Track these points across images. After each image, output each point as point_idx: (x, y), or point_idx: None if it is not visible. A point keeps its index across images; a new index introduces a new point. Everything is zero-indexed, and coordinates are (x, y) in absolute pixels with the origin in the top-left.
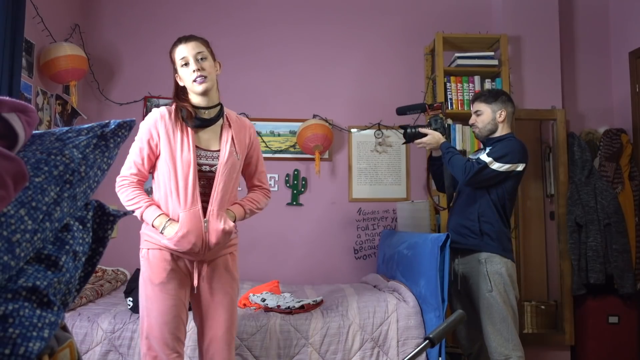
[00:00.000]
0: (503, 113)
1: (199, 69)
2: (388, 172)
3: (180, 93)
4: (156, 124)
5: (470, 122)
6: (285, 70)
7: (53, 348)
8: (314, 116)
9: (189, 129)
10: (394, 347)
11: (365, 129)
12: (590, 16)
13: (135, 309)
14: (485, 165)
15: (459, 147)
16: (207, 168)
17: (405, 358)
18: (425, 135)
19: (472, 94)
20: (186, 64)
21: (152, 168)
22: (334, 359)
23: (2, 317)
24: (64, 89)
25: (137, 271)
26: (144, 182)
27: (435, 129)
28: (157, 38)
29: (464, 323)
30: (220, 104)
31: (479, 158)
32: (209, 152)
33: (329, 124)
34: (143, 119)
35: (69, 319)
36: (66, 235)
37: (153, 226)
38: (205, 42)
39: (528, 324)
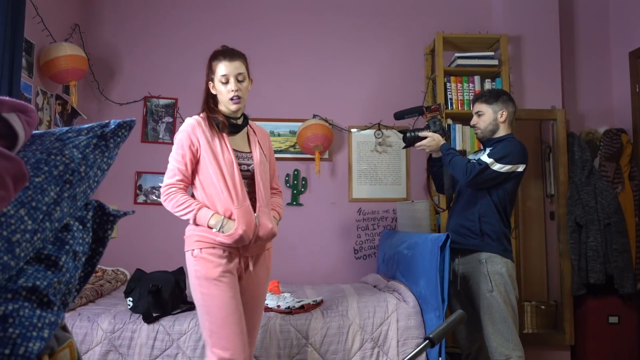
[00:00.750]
0: (504, 113)
1: (237, 90)
2: (388, 172)
3: (211, 101)
4: (194, 130)
5: (472, 123)
6: (286, 70)
7: (53, 348)
8: (314, 116)
9: (224, 134)
10: (394, 347)
11: (365, 129)
12: (590, 16)
13: (135, 309)
14: (487, 166)
15: (458, 147)
16: (245, 167)
17: (405, 358)
18: (425, 138)
19: (472, 94)
20: (226, 82)
21: (193, 173)
22: (334, 359)
23: (2, 317)
24: (64, 89)
25: (137, 271)
26: (188, 187)
27: (434, 131)
28: (157, 38)
29: (463, 323)
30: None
31: (479, 159)
32: (243, 154)
33: (329, 124)
34: (143, 119)
35: (69, 319)
36: (66, 235)
37: (208, 226)
38: (245, 61)
39: (528, 324)
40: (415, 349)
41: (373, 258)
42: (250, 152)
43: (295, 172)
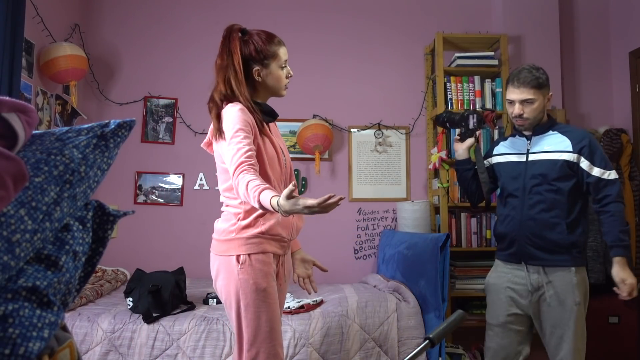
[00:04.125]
0: (551, 96)
1: (290, 76)
2: (388, 172)
3: (242, 87)
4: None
5: (515, 113)
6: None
7: (53, 348)
8: (314, 116)
9: (268, 125)
10: (394, 347)
11: (365, 129)
12: (590, 16)
13: (135, 309)
14: (616, 181)
15: None
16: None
17: (405, 358)
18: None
19: (472, 94)
20: (284, 67)
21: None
22: (334, 359)
23: (2, 317)
24: (64, 89)
25: (137, 271)
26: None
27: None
28: (157, 38)
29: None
30: None
31: (599, 178)
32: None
33: (329, 124)
34: (143, 119)
35: (69, 319)
36: (66, 235)
37: (269, 206)
38: None
39: None
40: (415, 349)
41: (373, 258)
42: (281, 148)
43: (295, 172)
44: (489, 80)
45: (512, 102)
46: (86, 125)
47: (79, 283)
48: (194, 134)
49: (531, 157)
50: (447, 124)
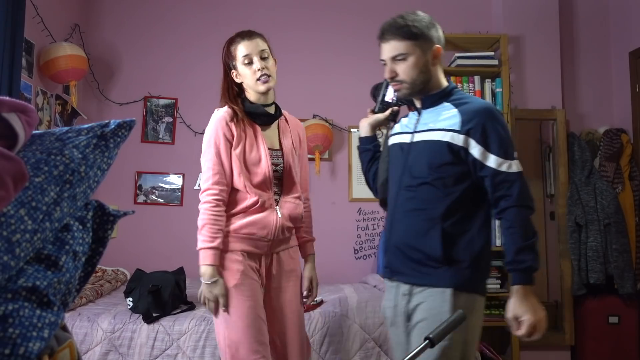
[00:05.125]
0: (438, 49)
1: (263, 68)
2: None
3: (232, 93)
4: (226, 124)
5: (387, 75)
6: (285, 70)
7: (53, 348)
8: (314, 116)
9: (257, 127)
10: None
11: None
12: (590, 16)
13: (135, 309)
14: (520, 175)
15: None
16: (274, 167)
17: (405, 358)
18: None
19: (473, 94)
20: (250, 62)
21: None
22: (334, 359)
23: (2, 317)
24: (64, 89)
25: (137, 271)
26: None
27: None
28: (157, 38)
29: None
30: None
31: (497, 170)
32: (273, 151)
33: (329, 124)
34: (143, 119)
35: (69, 319)
36: (66, 235)
37: (201, 259)
38: (265, 39)
39: None
40: (415, 349)
41: (373, 258)
42: (281, 149)
43: None
44: (489, 80)
45: (385, 64)
46: (86, 125)
47: (79, 283)
48: (194, 134)
49: (415, 138)
50: (372, 96)
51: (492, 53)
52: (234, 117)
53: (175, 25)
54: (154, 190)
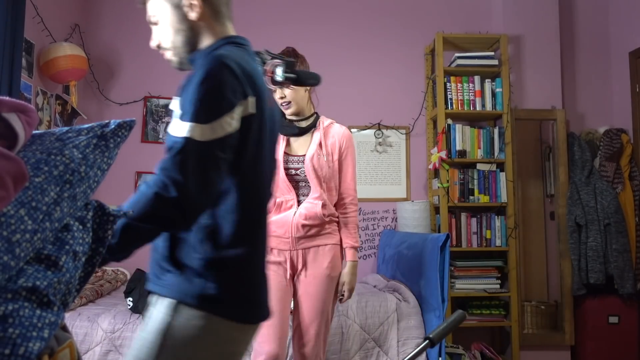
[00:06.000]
0: (192, 5)
1: (282, 97)
2: (388, 172)
3: None
4: None
5: (154, 44)
6: None
7: (53, 348)
8: None
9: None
10: (394, 347)
11: (365, 129)
12: (590, 16)
13: (135, 309)
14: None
15: (458, 147)
16: (294, 171)
17: (405, 358)
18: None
19: (473, 94)
20: (274, 90)
21: None
22: (334, 359)
23: (2, 317)
24: (63, 89)
25: (137, 271)
26: None
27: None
28: None
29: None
30: (315, 113)
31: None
32: (294, 157)
33: None
34: (143, 119)
35: (69, 319)
36: (66, 235)
37: None
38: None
39: (528, 324)
40: (415, 349)
41: (373, 258)
42: (303, 155)
43: None
44: (489, 80)
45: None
46: (86, 125)
47: (79, 283)
48: None
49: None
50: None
51: (492, 53)
52: None
53: None
54: None
